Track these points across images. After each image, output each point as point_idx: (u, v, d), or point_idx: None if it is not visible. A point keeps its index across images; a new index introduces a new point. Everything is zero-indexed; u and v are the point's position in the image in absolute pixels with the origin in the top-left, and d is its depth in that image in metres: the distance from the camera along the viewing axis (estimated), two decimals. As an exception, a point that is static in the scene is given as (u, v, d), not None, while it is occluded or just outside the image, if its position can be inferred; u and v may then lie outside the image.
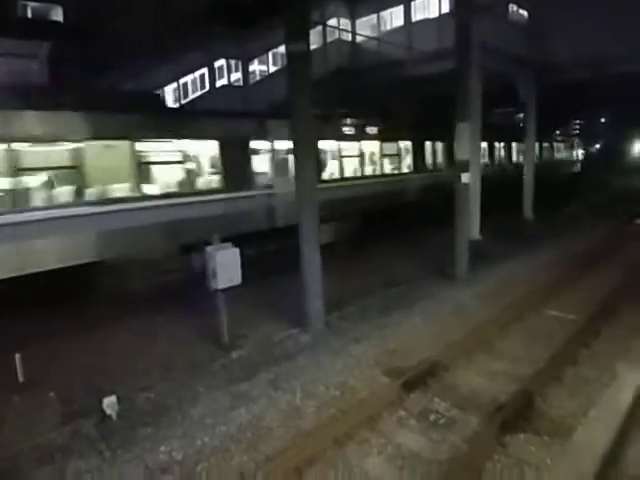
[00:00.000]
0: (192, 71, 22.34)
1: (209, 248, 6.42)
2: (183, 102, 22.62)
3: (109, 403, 4.93)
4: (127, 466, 4.21)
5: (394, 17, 18.79)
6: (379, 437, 4.55)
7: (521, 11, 18.17)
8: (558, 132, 28.54)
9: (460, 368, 5.88)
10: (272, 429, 4.74)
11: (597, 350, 6.27)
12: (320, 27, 18.37)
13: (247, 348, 6.62)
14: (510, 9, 17.90)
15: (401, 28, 18.03)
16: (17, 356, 5.65)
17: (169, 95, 23.57)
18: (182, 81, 22.94)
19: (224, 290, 6.49)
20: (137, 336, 7.20)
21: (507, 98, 18.55)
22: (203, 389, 5.53)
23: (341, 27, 19.06)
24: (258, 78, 21.69)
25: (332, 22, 19.14)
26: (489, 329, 6.86)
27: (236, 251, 6.53)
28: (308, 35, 6.84)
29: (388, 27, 19.00)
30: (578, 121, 41.63)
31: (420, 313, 7.73)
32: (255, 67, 21.93)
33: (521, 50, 15.64)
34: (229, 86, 21.35)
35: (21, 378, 5.66)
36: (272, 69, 21.50)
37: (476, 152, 12.79)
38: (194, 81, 22.62)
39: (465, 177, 9.33)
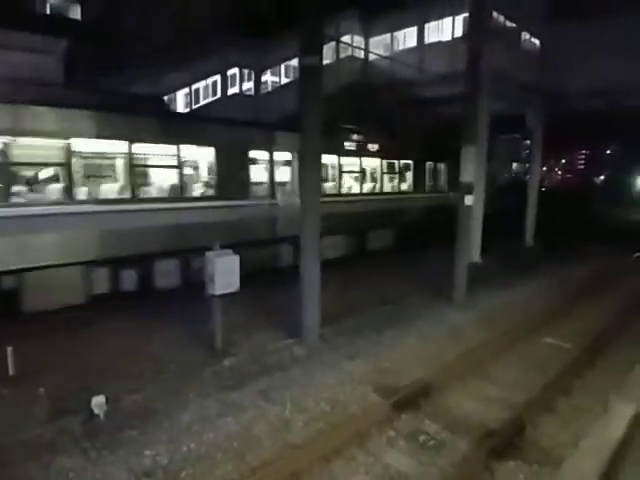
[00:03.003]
0: (204, 78, 22.55)
1: (209, 253, 6.42)
2: (194, 108, 22.80)
3: (97, 403, 4.88)
4: (111, 467, 4.16)
5: (407, 38, 19.05)
6: (367, 456, 4.50)
7: (533, 39, 18.43)
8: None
9: (452, 391, 5.84)
10: (260, 440, 4.69)
11: (591, 381, 6.23)
12: (334, 43, 18.62)
13: (240, 356, 6.58)
14: (523, 37, 18.15)
15: (414, 49, 18.28)
16: (9, 349, 5.62)
17: (180, 100, 23.78)
18: (194, 87, 23.15)
19: (221, 296, 6.48)
20: (131, 336, 7.18)
21: (514, 124, 18.71)
22: (192, 395, 5.49)
23: (354, 44, 19.30)
24: (270, 89, 21.90)
25: (346, 39, 19.38)
26: (484, 353, 6.82)
27: (236, 258, 6.54)
28: (321, 49, 6.93)
29: (401, 47, 19.27)
30: (584, 151, 42.01)
31: (415, 333, 7.70)
32: (267, 78, 22.15)
33: (532, 78, 15.81)
34: (240, 95, 21.54)
35: (12, 372, 5.62)
36: (284, 81, 21.73)
37: (480, 175, 12.85)
38: (206, 88, 22.83)
39: (468, 199, 9.36)
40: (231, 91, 21.75)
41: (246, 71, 21.88)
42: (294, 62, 19.44)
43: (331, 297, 8.07)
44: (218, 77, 21.84)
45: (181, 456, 4.38)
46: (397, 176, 14.91)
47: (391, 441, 4.76)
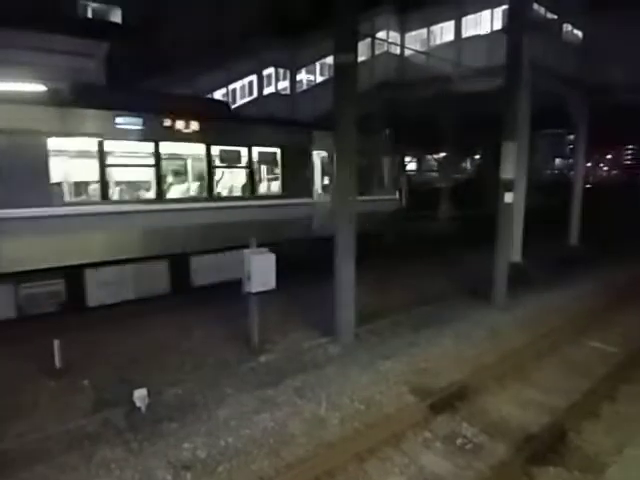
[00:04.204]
0: (241, 78, 22.90)
1: (246, 251, 6.52)
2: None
3: (139, 395, 5.05)
4: (152, 459, 4.30)
5: (445, 32, 18.72)
6: (402, 456, 4.47)
7: (576, 31, 17.74)
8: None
9: (491, 394, 5.70)
10: (295, 437, 4.73)
11: (638, 387, 5.95)
12: (369, 39, 18.51)
13: (276, 353, 6.66)
14: (564, 29, 17.50)
15: (451, 43, 17.94)
16: (56, 342, 5.88)
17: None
18: (231, 87, 23.54)
19: (257, 294, 6.57)
20: (171, 331, 7.42)
21: (557, 119, 18.09)
22: (230, 390, 5.60)
23: (390, 40, 19.12)
24: (305, 87, 22.00)
25: (382, 35, 19.23)
26: (524, 356, 6.63)
27: (272, 256, 6.62)
28: (356, 47, 6.91)
29: (438, 42, 18.97)
30: (631, 146, 40.13)
31: (452, 334, 7.56)
32: (302, 76, 22.26)
33: (574, 70, 15.21)
34: (276, 94, 21.74)
35: (58, 364, 5.89)
36: (319, 79, 21.78)
37: (521, 172, 12.46)
38: (242, 88, 23.17)
39: (508, 197, 9.12)
40: (267, 90, 21.98)
41: (282, 70, 22.07)
42: (329, 60, 19.43)
43: (366, 294, 8.03)
44: (254, 77, 22.12)
45: (219, 450, 4.47)
46: (248, 172, 9.97)
47: (427, 443, 4.70)
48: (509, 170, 9.13)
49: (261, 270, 6.47)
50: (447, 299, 9.39)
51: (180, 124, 8.74)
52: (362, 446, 4.48)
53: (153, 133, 8.44)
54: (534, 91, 12.48)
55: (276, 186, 10.72)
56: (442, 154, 29.99)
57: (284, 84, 22.27)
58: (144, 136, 8.34)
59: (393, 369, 6.23)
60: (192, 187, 9.87)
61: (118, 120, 8.00)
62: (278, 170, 10.56)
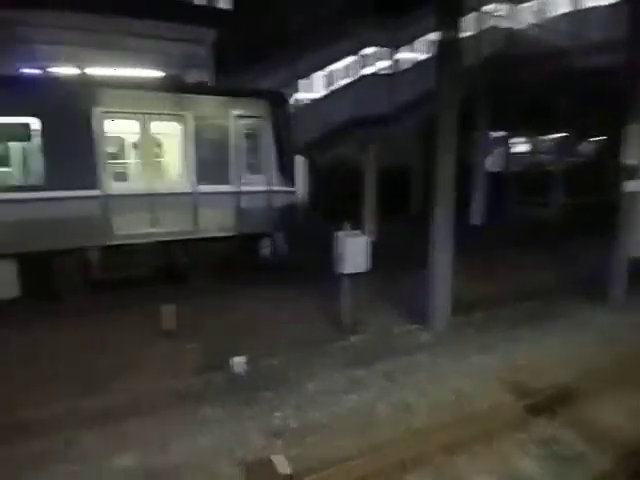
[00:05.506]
0: (340, 59, 22.76)
1: (340, 233, 6.59)
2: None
3: (239, 362, 5.46)
4: (246, 423, 4.59)
5: (560, 3, 17.05)
6: (493, 455, 4.28)
7: None
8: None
9: (597, 401, 5.21)
10: (381, 419, 4.75)
11: None
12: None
13: (366, 335, 6.73)
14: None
15: (567, 15, 16.29)
16: (169, 308, 6.51)
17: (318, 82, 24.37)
18: (330, 69, 23.53)
19: (349, 275, 6.63)
20: (269, 306, 7.80)
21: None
22: (321, 367, 5.78)
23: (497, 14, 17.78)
24: (406, 66, 21.35)
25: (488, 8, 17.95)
26: (638, 363, 5.97)
27: (366, 239, 6.62)
28: (459, 22, 6.56)
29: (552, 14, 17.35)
30: None
31: (558, 333, 7.03)
32: (404, 55, 21.60)
33: None
34: (375, 75, 21.35)
35: (172, 327, 6.50)
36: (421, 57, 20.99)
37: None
38: (343, 69, 23.06)
39: (631, 185, 8.17)
40: (367, 71, 21.69)
41: (382, 49, 21.61)
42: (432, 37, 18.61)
43: (463, 284, 7.72)
44: (354, 57, 21.90)
45: (306, 422, 4.65)
46: None
47: (521, 445, 4.44)
48: (633, 155, 8.18)
49: (354, 252, 6.51)
50: (554, 294, 8.73)
51: None
52: (450, 438, 4.37)
53: None
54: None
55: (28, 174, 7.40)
56: (557, 135, 27.43)
57: (384, 63, 21.77)
58: None
59: (488, 364, 5.98)
60: None
61: None
62: (36, 149, 7.28)
